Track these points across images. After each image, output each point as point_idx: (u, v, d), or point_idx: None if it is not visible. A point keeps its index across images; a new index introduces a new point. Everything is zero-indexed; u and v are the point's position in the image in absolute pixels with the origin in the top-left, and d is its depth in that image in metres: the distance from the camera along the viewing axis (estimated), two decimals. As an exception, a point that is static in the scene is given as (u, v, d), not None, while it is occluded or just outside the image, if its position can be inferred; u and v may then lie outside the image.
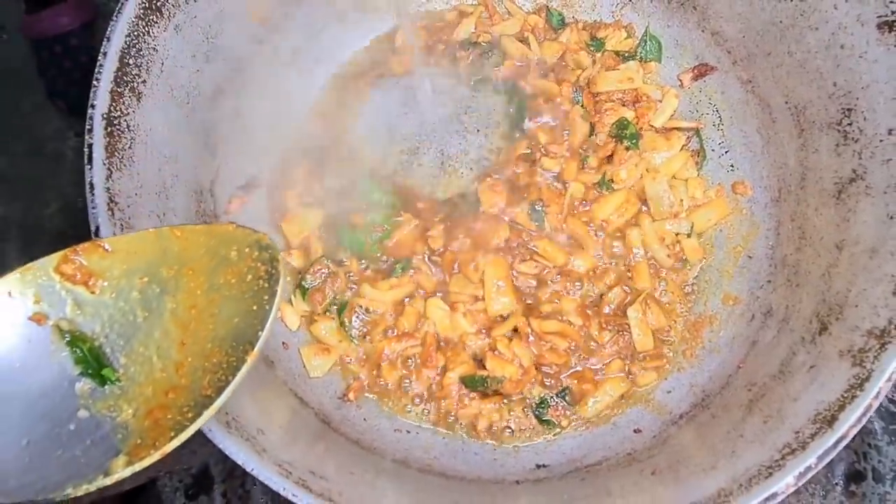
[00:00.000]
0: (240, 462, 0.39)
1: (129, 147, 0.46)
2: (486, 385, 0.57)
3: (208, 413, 0.33)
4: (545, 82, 0.62)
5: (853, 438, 0.77)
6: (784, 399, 0.45)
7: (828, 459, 0.38)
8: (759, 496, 0.37)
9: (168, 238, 0.36)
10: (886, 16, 0.47)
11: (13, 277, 0.34)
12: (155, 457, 0.33)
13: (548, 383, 0.59)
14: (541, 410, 0.59)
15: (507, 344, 0.58)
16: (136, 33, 0.46)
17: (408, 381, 0.59)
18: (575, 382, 0.58)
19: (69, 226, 1.18)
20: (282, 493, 0.39)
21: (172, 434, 0.34)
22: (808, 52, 0.54)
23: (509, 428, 0.59)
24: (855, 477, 0.73)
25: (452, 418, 0.58)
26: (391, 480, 0.48)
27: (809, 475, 0.38)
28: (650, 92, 0.64)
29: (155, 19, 0.48)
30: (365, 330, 0.60)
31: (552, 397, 0.59)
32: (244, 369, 0.34)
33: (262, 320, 0.35)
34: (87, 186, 0.42)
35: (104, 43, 0.44)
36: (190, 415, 0.34)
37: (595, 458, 0.55)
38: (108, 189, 0.43)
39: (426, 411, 0.58)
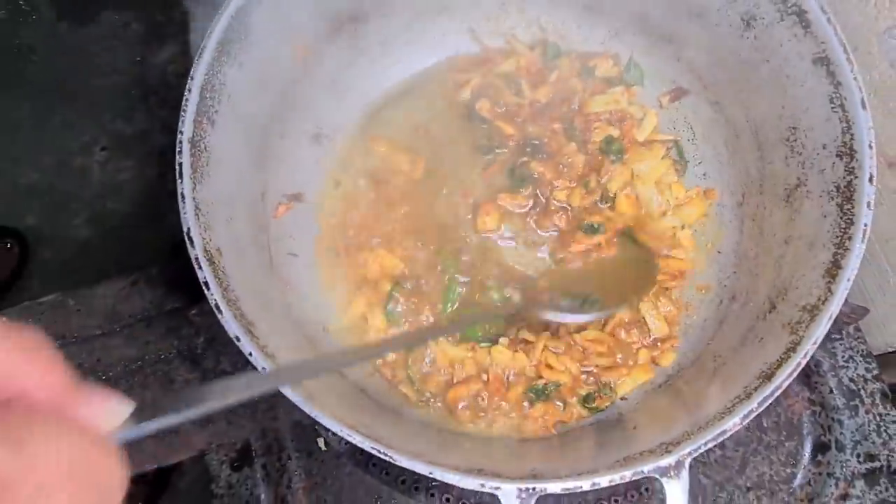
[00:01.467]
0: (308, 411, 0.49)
1: (206, 164, 0.57)
2: (548, 392, 0.66)
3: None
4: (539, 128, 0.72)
5: (819, 415, 0.87)
6: (740, 365, 0.56)
7: (766, 405, 0.48)
8: (714, 432, 0.47)
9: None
10: (819, 53, 0.58)
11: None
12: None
13: (592, 381, 0.68)
14: (588, 402, 0.68)
15: (555, 359, 0.67)
16: (212, 72, 0.57)
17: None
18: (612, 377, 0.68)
19: (96, 235, 1.27)
20: (339, 432, 0.49)
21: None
22: (761, 80, 0.65)
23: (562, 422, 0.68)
24: (821, 448, 0.83)
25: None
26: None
27: (752, 416, 0.48)
28: (634, 112, 0.75)
29: (225, 59, 0.59)
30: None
31: (597, 391, 0.68)
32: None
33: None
34: (179, 196, 0.53)
35: (189, 80, 0.55)
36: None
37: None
38: (194, 198, 0.54)
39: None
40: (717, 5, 0.65)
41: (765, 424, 0.86)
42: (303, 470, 0.80)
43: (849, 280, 0.51)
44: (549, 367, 0.66)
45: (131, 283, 0.85)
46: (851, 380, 0.85)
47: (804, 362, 0.49)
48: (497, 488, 0.46)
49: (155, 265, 0.86)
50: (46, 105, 1.22)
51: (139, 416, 0.28)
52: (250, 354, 0.50)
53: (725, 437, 0.47)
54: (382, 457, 0.47)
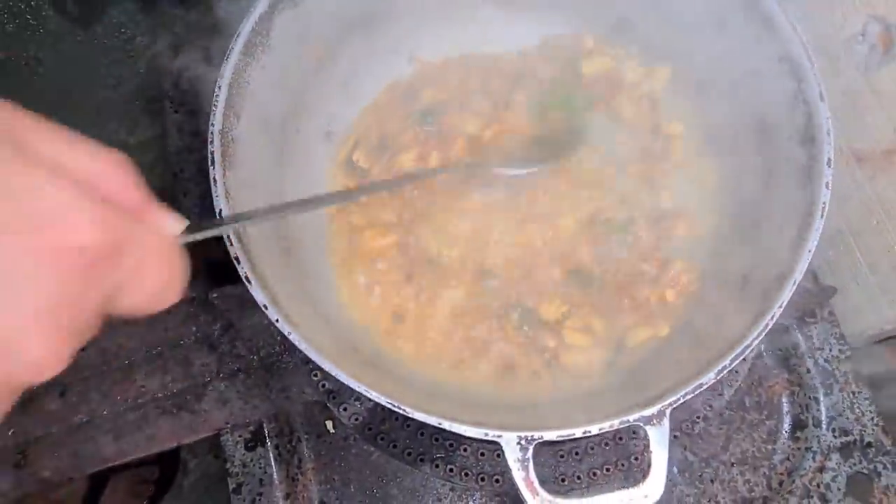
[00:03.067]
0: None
1: (234, 154, 0.63)
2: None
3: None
4: None
5: (797, 394, 0.93)
6: (717, 334, 0.62)
7: (737, 362, 0.54)
8: (692, 386, 0.53)
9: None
10: (782, 53, 0.65)
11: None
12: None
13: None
14: None
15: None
16: (238, 71, 0.64)
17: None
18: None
19: None
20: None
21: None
22: (736, 77, 0.72)
23: None
24: (799, 425, 0.89)
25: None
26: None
27: (724, 372, 0.54)
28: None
29: (250, 60, 0.65)
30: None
31: None
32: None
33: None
34: (212, 181, 0.59)
35: (219, 78, 0.62)
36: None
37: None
38: (224, 183, 0.59)
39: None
40: (694, 11, 0.72)
41: (747, 404, 0.92)
42: (312, 451, 0.86)
43: (810, 251, 0.57)
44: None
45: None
46: (826, 361, 0.92)
47: (771, 323, 0.55)
48: (499, 436, 0.52)
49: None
50: (53, 116, 1.28)
51: (190, 229, 0.38)
52: (277, 321, 0.55)
53: (702, 389, 0.53)
54: (396, 410, 0.53)
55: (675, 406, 0.52)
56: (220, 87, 0.61)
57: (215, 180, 0.58)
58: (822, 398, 0.91)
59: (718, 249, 0.73)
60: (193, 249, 0.89)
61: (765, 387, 0.93)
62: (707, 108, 0.77)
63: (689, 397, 0.53)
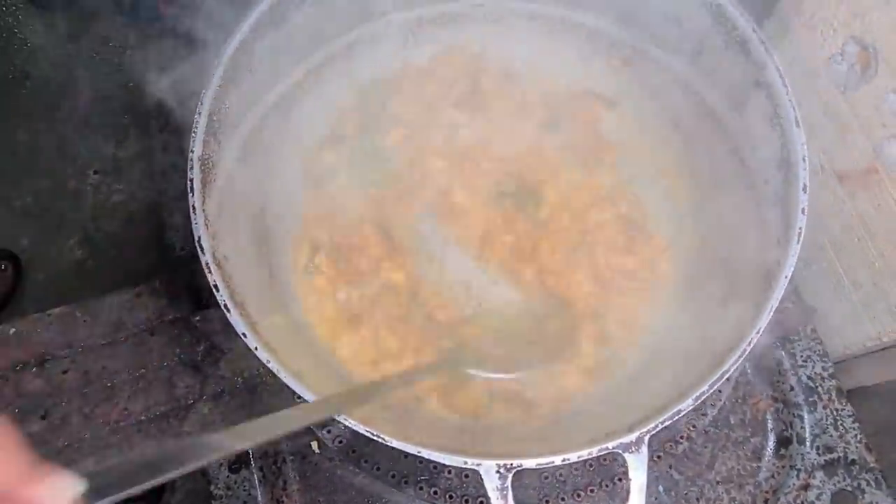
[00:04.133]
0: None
1: (213, 180, 0.63)
2: None
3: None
4: None
5: (782, 411, 0.93)
6: (695, 360, 0.62)
7: (715, 387, 0.54)
8: (669, 413, 0.53)
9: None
10: (758, 77, 0.65)
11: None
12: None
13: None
14: None
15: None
16: (218, 97, 0.64)
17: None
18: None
19: (89, 256, 1.31)
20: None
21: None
22: (713, 101, 0.73)
23: None
24: (784, 442, 0.89)
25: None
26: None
27: (702, 398, 0.54)
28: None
29: (231, 86, 0.65)
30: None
31: None
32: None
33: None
34: (191, 209, 0.59)
35: (199, 104, 0.62)
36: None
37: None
38: (203, 210, 0.59)
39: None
40: (673, 35, 0.73)
41: (731, 422, 0.92)
42: (297, 472, 0.85)
43: (786, 277, 0.57)
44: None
45: (136, 294, 0.91)
46: (810, 378, 0.92)
47: (749, 349, 0.55)
48: (478, 465, 0.52)
49: (157, 279, 0.91)
50: (41, 129, 1.26)
51: (92, 494, 0.30)
52: (255, 349, 0.55)
53: (679, 416, 0.53)
54: (375, 439, 0.53)
55: (653, 433, 0.53)
56: (199, 114, 0.61)
57: (194, 208, 0.58)
58: (805, 415, 0.91)
59: (698, 273, 0.73)
60: (175, 273, 0.90)
61: (749, 404, 0.93)
62: (685, 133, 0.78)
63: (667, 423, 0.53)
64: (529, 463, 0.52)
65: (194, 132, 0.61)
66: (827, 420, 0.90)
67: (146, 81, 1.22)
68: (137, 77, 1.36)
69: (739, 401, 0.92)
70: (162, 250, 1.08)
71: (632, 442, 0.53)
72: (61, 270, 1.20)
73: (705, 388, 0.54)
